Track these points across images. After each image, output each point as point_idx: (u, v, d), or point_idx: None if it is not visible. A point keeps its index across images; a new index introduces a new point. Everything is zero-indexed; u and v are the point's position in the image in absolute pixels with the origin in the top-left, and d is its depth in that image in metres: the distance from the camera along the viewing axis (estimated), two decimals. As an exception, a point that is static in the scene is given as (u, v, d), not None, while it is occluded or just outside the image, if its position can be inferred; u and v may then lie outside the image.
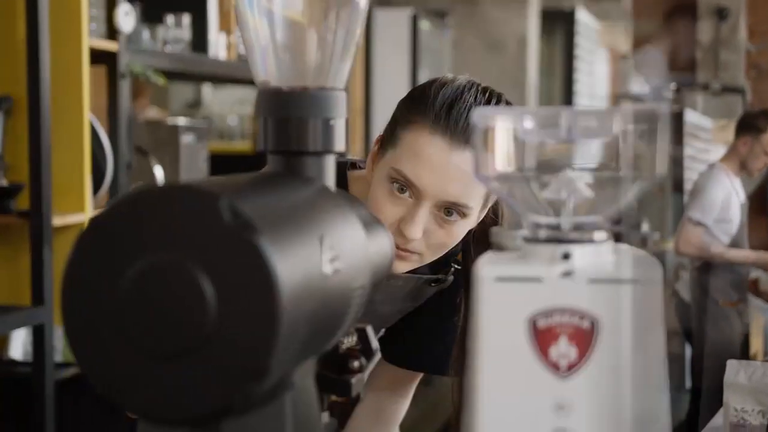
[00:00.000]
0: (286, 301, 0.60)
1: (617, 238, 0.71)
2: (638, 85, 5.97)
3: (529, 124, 0.69)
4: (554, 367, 0.67)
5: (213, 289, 0.60)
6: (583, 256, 0.68)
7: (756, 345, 4.92)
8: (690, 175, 7.05)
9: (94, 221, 0.62)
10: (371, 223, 0.84)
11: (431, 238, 1.27)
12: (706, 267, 4.52)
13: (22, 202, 2.43)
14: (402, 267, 1.30)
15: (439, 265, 1.41)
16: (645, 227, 6.49)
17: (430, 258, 1.31)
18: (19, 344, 2.66)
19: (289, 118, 0.79)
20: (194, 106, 5.74)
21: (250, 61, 0.82)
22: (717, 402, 4.47)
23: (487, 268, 0.68)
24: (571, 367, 0.67)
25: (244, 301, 0.60)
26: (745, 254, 4.57)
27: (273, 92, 0.80)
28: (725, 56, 9.45)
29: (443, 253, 1.31)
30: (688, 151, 6.69)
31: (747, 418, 1.90)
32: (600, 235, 0.70)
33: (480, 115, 0.69)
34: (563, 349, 0.67)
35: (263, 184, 0.71)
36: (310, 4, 0.81)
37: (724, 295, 4.55)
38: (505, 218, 1.40)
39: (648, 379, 0.67)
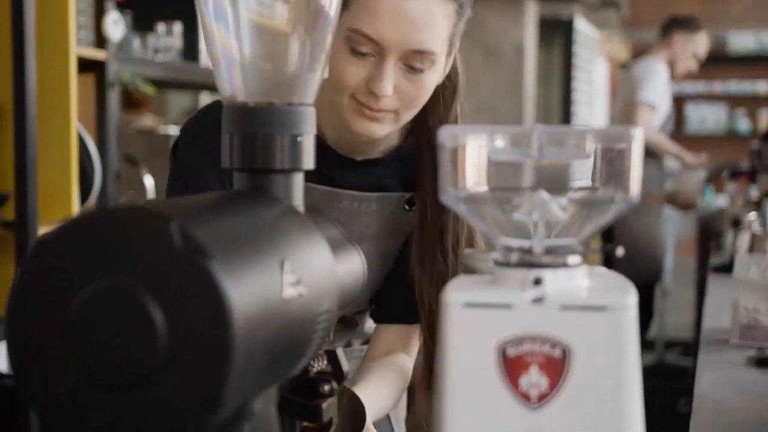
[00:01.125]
0: (240, 329, 0.57)
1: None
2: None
3: (499, 143, 0.66)
4: (525, 397, 0.64)
5: (163, 316, 0.57)
6: (555, 281, 0.65)
7: None
8: (577, 85, 7.20)
9: (41, 243, 0.59)
10: (340, 243, 0.81)
11: (402, 94, 1.26)
12: None
13: (8, 212, 2.40)
14: (379, 129, 1.29)
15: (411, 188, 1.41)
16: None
17: (406, 116, 1.29)
18: (4, 356, 2.63)
19: (255, 134, 0.76)
20: (191, 113, 5.70)
21: (216, 75, 0.80)
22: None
23: (455, 293, 0.65)
24: (542, 398, 0.64)
25: (196, 328, 0.57)
26: (675, 147, 4.63)
27: (239, 107, 0.77)
28: None
29: (419, 108, 1.29)
30: (575, 60, 6.91)
31: (760, 318, 1.73)
32: (574, 258, 0.67)
33: (448, 133, 0.67)
34: (534, 379, 0.64)
35: (224, 204, 0.68)
36: (277, 16, 0.78)
37: (647, 187, 4.55)
38: (461, 86, 1.38)
39: (622, 411, 0.64)
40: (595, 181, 0.67)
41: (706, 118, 10.12)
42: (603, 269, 0.73)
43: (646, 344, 5.46)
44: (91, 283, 0.58)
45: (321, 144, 1.36)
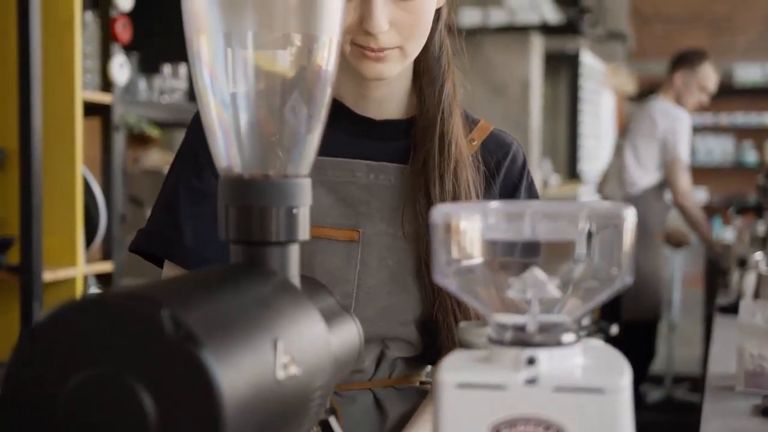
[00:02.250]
0: (231, 416, 0.57)
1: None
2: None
3: (491, 221, 0.66)
4: (518, 480, 0.64)
5: (154, 403, 0.57)
6: (549, 360, 0.65)
7: None
8: (583, 118, 7.22)
9: (33, 330, 0.59)
10: (335, 312, 0.81)
11: (400, 26, 1.20)
12: (640, 196, 4.54)
13: (13, 256, 2.41)
14: (388, 69, 1.22)
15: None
16: (547, 165, 6.54)
17: (414, 49, 1.23)
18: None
19: (251, 207, 0.76)
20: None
21: (211, 146, 0.80)
22: (635, 328, 4.40)
23: (448, 373, 0.65)
24: (536, 481, 0.63)
25: (187, 416, 0.57)
26: (706, 228, 4.61)
27: (234, 180, 0.77)
28: (610, 1, 9.51)
29: (424, 38, 1.23)
30: (581, 93, 6.92)
31: (765, 365, 1.70)
32: (568, 337, 0.67)
33: (441, 212, 0.67)
34: (528, 461, 0.64)
35: (217, 283, 0.68)
36: (272, 88, 0.79)
37: (654, 225, 4.55)
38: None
39: (617, 493, 0.63)
40: (589, 258, 0.67)
41: (713, 149, 10.13)
42: (599, 343, 0.73)
43: (653, 379, 5.43)
44: (83, 370, 0.58)
45: (337, 106, 1.29)
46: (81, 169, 2.53)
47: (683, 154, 4.48)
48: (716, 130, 10.14)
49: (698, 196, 10.14)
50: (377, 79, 1.23)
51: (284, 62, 0.77)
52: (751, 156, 10.09)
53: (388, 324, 1.27)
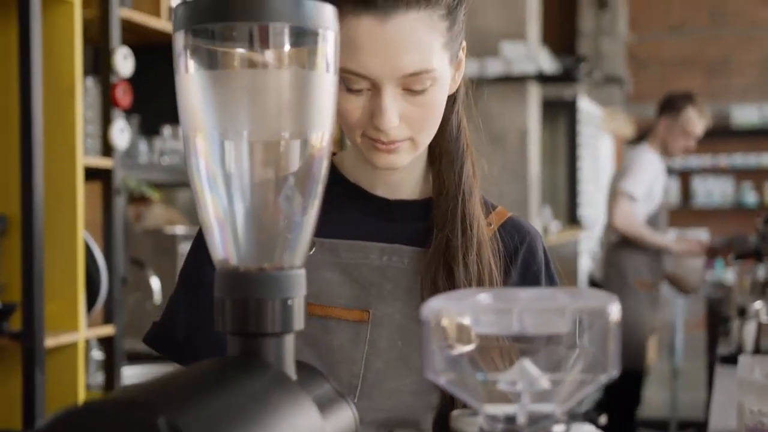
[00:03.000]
0: None
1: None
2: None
3: (481, 316, 0.68)
4: None
5: None
6: (539, 452, 0.66)
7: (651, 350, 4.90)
8: (582, 164, 7.23)
9: (34, 435, 0.61)
10: (331, 399, 0.83)
11: (411, 120, 1.19)
12: (622, 244, 4.54)
13: (15, 322, 2.42)
14: (399, 159, 1.22)
15: None
16: (547, 212, 6.53)
17: (425, 139, 1.22)
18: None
19: (247, 299, 0.78)
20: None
21: (207, 239, 0.82)
22: (620, 384, 4.38)
23: (440, 467, 0.67)
24: None
25: None
26: (657, 238, 4.60)
27: (231, 272, 0.79)
28: (606, 46, 9.58)
29: (435, 128, 1.23)
30: (580, 139, 6.95)
31: (766, 422, 1.67)
32: (558, 428, 0.68)
33: (431, 309, 0.68)
34: None
35: (213, 381, 0.70)
36: (267, 183, 0.81)
37: (636, 273, 4.55)
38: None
39: None
40: (577, 351, 0.68)
41: (713, 191, 10.17)
42: (589, 428, 0.74)
43: (658, 425, 5.41)
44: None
45: (353, 188, 1.31)
46: (82, 234, 2.55)
47: (629, 185, 4.49)
48: (715, 171, 10.18)
49: (699, 237, 10.16)
50: (389, 168, 1.23)
51: (278, 158, 0.80)
52: (750, 197, 10.12)
53: (395, 407, 1.26)
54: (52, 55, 2.48)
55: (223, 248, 0.81)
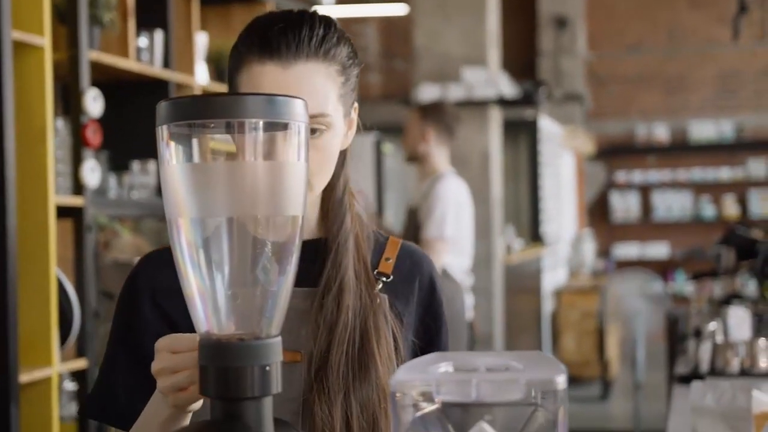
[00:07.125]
0: None
1: None
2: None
3: (441, 388, 0.76)
4: None
5: None
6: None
7: None
8: (543, 181, 7.36)
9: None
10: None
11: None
12: None
13: (-11, 360, 2.46)
14: None
15: None
16: (510, 231, 6.63)
17: (319, 184, 1.27)
18: None
19: (227, 367, 0.86)
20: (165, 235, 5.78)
21: (191, 312, 0.90)
22: None
23: None
24: None
25: None
26: None
27: (213, 343, 0.87)
28: (566, 65, 9.76)
29: (329, 175, 1.28)
30: (541, 158, 7.00)
31: None
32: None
33: (397, 380, 0.76)
34: None
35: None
36: (244, 262, 0.89)
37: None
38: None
39: None
40: (532, 414, 0.77)
41: (672, 205, 10.35)
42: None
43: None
44: None
45: None
46: (55, 271, 2.60)
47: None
48: (674, 186, 10.36)
49: (659, 250, 10.37)
50: None
51: (256, 239, 0.88)
52: (709, 210, 10.32)
53: None
54: (23, 98, 2.54)
55: (205, 320, 0.89)
